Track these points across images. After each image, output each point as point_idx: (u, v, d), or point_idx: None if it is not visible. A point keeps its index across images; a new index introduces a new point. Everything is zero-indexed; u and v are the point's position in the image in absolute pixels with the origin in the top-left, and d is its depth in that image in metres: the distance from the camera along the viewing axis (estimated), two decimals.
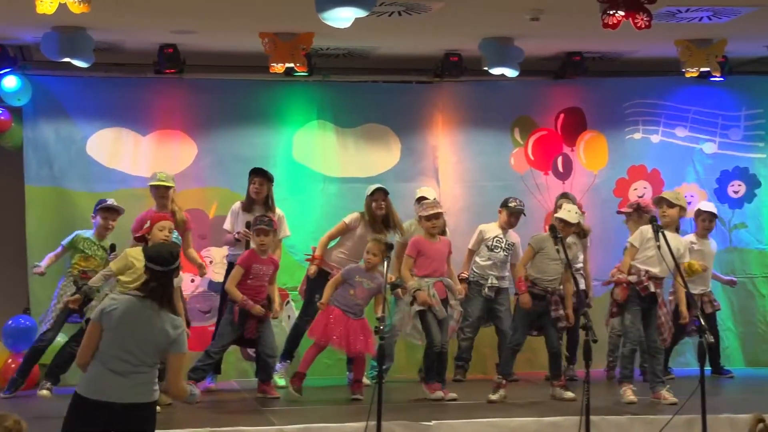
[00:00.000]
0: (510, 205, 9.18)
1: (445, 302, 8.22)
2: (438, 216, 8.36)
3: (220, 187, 9.28)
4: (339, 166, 10.09)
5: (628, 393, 7.96)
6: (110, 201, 8.74)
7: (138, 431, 5.04)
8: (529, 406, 7.87)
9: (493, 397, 8.01)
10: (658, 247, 7.76)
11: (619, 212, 9.42)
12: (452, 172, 10.31)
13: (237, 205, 8.87)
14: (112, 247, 8.31)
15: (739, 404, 7.80)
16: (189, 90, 9.91)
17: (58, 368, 8.31)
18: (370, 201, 8.90)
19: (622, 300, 7.97)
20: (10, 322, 9.22)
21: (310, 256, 8.95)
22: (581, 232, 8.25)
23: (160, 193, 8.67)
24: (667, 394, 7.88)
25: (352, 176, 10.08)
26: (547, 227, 8.99)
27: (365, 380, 8.51)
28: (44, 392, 8.22)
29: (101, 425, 4.96)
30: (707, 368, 9.25)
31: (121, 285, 7.46)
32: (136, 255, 7.46)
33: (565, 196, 9.40)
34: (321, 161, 9.99)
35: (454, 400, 8.08)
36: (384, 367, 7.73)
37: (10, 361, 9.18)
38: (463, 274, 9.20)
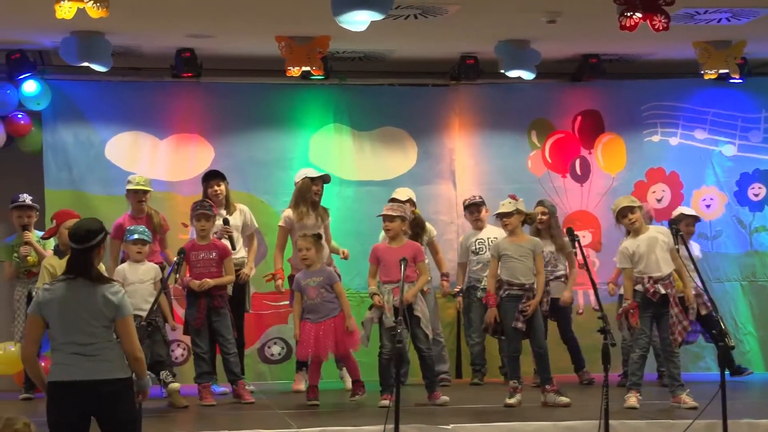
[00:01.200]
0: (464, 203, 9.51)
1: (410, 308, 7.97)
2: (392, 219, 8.09)
3: (237, 191, 9.26)
4: (355, 169, 10.13)
5: (632, 399, 7.86)
6: (22, 197, 8.81)
7: (113, 409, 5.05)
8: (547, 411, 7.83)
9: (510, 401, 7.98)
10: (677, 250, 7.74)
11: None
12: (469, 175, 10.33)
13: None
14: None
15: (759, 409, 7.75)
16: (206, 94, 9.98)
17: None
18: (310, 183, 8.76)
19: (635, 323, 7.92)
20: None
21: (269, 276, 8.95)
22: (528, 219, 8.22)
23: (138, 197, 8.77)
24: (687, 398, 7.83)
25: (368, 179, 10.13)
26: (564, 230, 9.02)
27: None
28: None
29: (78, 408, 5.02)
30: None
31: None
32: (49, 262, 7.67)
33: (540, 203, 9.36)
34: (337, 164, 10.01)
35: (445, 404, 8.01)
36: (402, 370, 7.73)
37: None
38: (456, 288, 9.39)
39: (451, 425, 7.16)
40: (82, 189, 9.50)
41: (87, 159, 9.68)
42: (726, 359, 6.67)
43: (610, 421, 6.57)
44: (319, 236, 8.21)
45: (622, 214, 8.03)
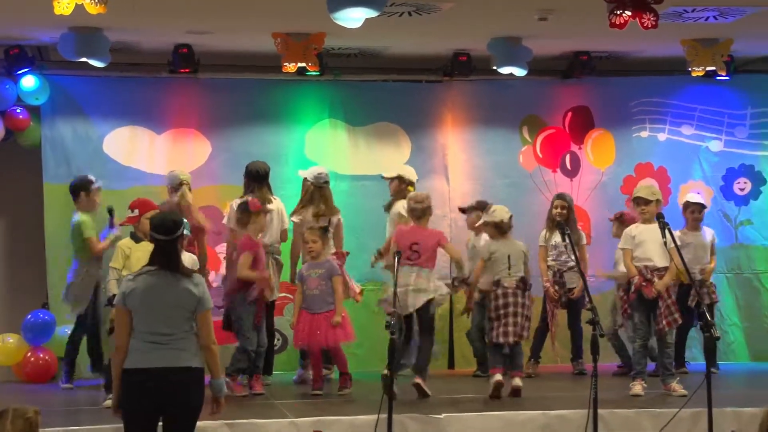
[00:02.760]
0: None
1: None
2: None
3: (234, 185, 9.31)
4: (350, 163, 10.21)
5: (637, 387, 8.10)
6: (98, 183, 8.95)
7: (185, 397, 5.15)
8: (537, 400, 7.95)
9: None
10: (665, 243, 7.87)
11: (611, 220, 9.58)
12: (461, 169, 10.42)
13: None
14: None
15: (744, 398, 7.88)
16: (203, 89, 10.04)
17: None
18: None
19: (650, 293, 8.13)
20: (29, 316, 9.40)
21: None
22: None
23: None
24: (677, 386, 8.02)
25: (362, 174, 10.20)
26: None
27: None
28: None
29: (151, 394, 5.11)
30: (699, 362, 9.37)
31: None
32: (126, 245, 7.70)
33: (560, 197, 9.49)
34: (332, 159, 10.07)
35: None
36: (403, 361, 7.88)
37: (29, 354, 9.37)
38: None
39: (443, 414, 7.27)
40: None
41: (85, 153, 9.74)
42: (712, 349, 6.77)
43: (599, 411, 6.61)
44: (325, 229, 8.37)
45: (636, 201, 8.29)
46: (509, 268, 8.17)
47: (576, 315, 9.40)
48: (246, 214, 8.29)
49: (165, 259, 5.21)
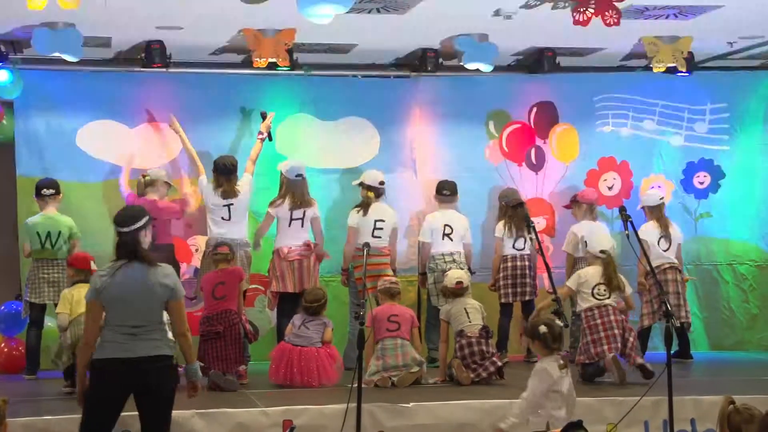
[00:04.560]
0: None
1: None
2: None
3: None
4: (320, 157, 10.27)
5: None
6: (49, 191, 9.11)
7: (162, 383, 5.25)
8: (503, 388, 8.09)
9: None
10: (627, 236, 8.07)
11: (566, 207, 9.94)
12: (429, 163, 10.51)
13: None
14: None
15: (703, 386, 8.05)
16: (175, 84, 10.07)
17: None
18: None
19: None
20: (2, 307, 9.49)
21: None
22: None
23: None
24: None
25: (332, 167, 10.30)
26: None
27: None
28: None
29: (122, 383, 5.20)
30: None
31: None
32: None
33: (505, 195, 9.78)
34: (303, 153, 10.12)
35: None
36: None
37: (2, 345, 9.42)
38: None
39: (411, 403, 7.38)
40: (54, 176, 9.53)
41: (58, 147, 9.76)
42: (671, 339, 6.95)
43: None
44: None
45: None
46: (468, 318, 8.40)
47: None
48: None
49: (127, 250, 5.32)
